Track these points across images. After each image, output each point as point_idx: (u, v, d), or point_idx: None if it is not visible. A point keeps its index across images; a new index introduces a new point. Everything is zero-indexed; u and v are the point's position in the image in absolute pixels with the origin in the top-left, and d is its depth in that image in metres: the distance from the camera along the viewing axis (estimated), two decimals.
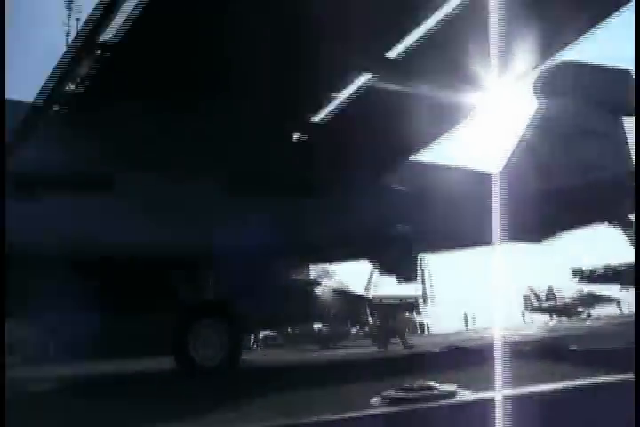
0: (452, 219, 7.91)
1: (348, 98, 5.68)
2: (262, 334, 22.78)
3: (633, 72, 8.84)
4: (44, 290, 7.02)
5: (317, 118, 6.24)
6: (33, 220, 4.96)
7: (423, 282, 12.98)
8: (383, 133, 6.27)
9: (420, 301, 22.35)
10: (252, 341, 21.57)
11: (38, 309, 7.39)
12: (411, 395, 2.52)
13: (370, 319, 21.31)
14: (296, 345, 20.95)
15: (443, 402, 2.42)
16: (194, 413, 3.06)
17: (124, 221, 5.27)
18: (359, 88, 5.52)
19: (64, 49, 4.93)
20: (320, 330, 21.01)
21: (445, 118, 6.53)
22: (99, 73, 4.62)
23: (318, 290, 13.45)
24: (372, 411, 2.39)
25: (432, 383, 2.63)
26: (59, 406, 3.53)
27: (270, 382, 5.43)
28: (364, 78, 5.47)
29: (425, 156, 7.98)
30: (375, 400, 2.60)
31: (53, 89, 4.65)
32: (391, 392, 2.62)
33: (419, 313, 26.12)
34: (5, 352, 5.32)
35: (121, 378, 7.15)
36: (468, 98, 6.17)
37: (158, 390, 5.17)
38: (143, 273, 6.97)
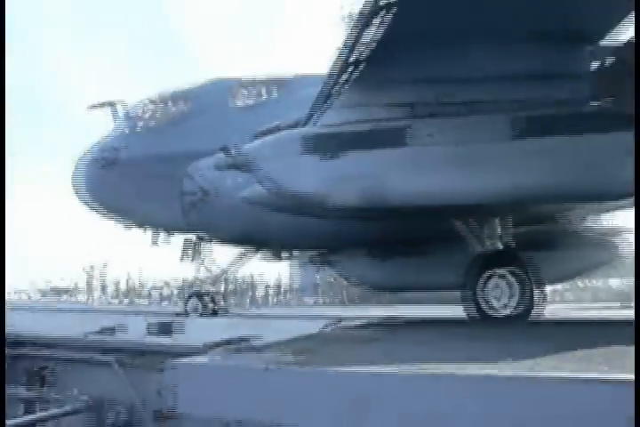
0: None
1: None
2: (551, 287, 21.56)
3: None
4: (352, 238, 7.91)
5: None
6: (338, 175, 5.58)
7: None
8: None
9: None
10: (540, 294, 20.60)
11: (347, 255, 8.43)
12: None
13: None
14: (595, 301, 19.17)
15: None
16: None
17: (417, 170, 5.49)
18: None
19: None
20: (621, 286, 18.78)
21: None
22: (385, 34, 4.79)
23: (619, 240, 11.89)
24: None
25: None
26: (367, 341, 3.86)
27: (564, 335, 4.97)
28: None
29: None
30: None
31: (346, 53, 5.01)
32: None
33: None
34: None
35: (412, 322, 7.62)
36: None
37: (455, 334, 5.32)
38: (436, 222, 7.25)
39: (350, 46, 4.92)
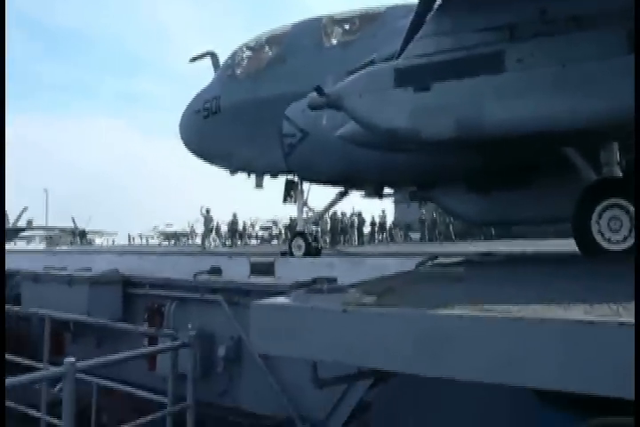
0: None
1: None
2: None
3: None
4: (450, 171, 7.69)
5: None
6: (432, 107, 5.37)
7: None
8: None
9: None
10: None
11: (447, 190, 8.24)
12: None
13: None
14: None
15: None
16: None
17: (521, 96, 5.13)
18: None
19: None
20: None
21: None
22: None
23: None
24: None
25: None
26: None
27: None
28: None
29: None
30: None
31: None
32: None
33: None
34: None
35: (513, 258, 7.39)
36: None
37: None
38: (541, 151, 6.81)
39: None
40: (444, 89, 5.33)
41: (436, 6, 5.46)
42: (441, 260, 6.17)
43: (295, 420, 5.55)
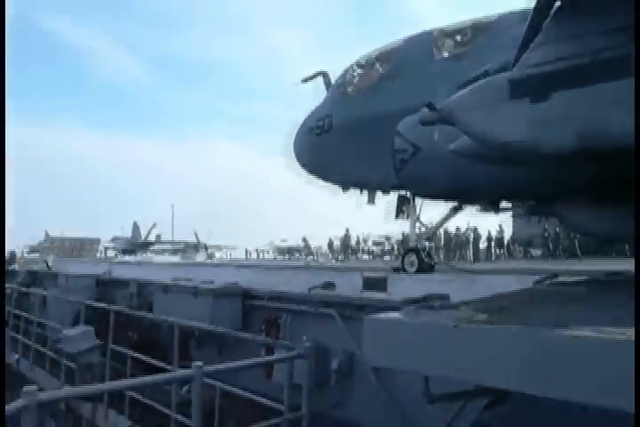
0: None
1: None
2: None
3: None
4: (571, 184, 7.20)
5: None
6: (551, 118, 5.12)
7: None
8: None
9: None
10: None
11: (569, 203, 7.71)
12: None
13: None
14: None
15: None
16: None
17: None
18: None
19: None
20: None
21: None
22: None
23: None
24: None
25: None
26: None
27: None
28: None
29: None
30: None
31: None
32: None
33: None
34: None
35: None
36: None
37: None
38: None
39: None
40: (565, 98, 5.06)
41: (553, 11, 5.23)
42: (561, 278, 5.81)
43: None
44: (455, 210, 11.19)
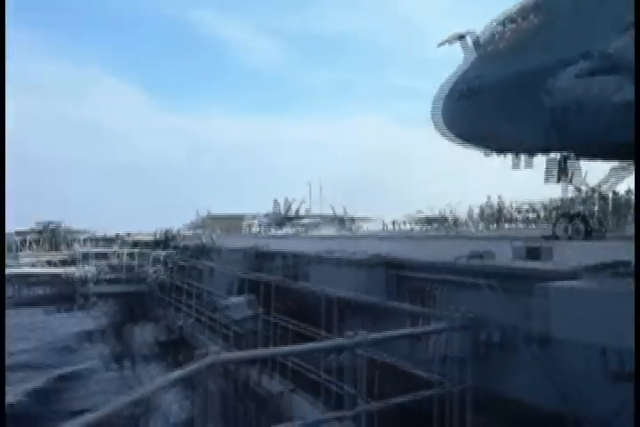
0: None
1: None
2: None
3: None
4: None
5: None
6: None
7: None
8: None
9: None
10: None
11: None
12: None
13: None
14: None
15: None
16: None
17: None
18: None
19: None
20: None
21: None
22: None
23: None
24: None
25: None
26: None
27: None
28: None
29: None
30: None
31: None
32: None
33: None
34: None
35: None
36: None
37: None
38: None
39: None
40: None
41: None
42: None
43: (574, 414, 5.13)
44: (617, 171, 10.03)
